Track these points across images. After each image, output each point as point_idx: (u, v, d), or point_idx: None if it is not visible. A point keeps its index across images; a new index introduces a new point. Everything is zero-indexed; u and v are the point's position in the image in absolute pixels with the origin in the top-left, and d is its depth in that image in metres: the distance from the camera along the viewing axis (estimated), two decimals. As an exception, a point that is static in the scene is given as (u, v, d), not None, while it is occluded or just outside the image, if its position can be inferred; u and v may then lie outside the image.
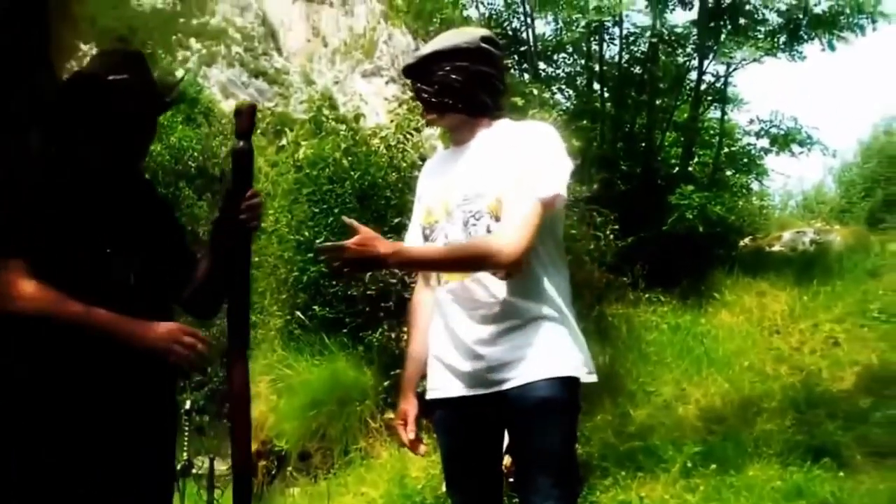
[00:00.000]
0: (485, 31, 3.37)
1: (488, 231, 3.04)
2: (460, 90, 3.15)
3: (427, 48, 3.22)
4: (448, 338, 3.13)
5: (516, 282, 3.02)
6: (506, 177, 3.04)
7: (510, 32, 13.10)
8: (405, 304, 8.75)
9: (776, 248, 13.87)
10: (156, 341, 2.83)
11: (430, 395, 3.23)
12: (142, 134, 3.09)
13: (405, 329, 8.57)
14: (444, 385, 3.15)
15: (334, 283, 9.20)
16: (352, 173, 9.57)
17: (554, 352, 3.02)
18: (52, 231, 2.87)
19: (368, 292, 8.73)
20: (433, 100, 3.18)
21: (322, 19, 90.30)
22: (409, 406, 3.33)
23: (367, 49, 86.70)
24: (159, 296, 3.06)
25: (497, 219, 3.03)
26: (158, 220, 3.19)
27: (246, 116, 2.86)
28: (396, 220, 8.39)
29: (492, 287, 3.04)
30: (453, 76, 3.14)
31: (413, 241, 3.31)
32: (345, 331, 9.18)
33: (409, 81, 3.40)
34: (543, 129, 3.18)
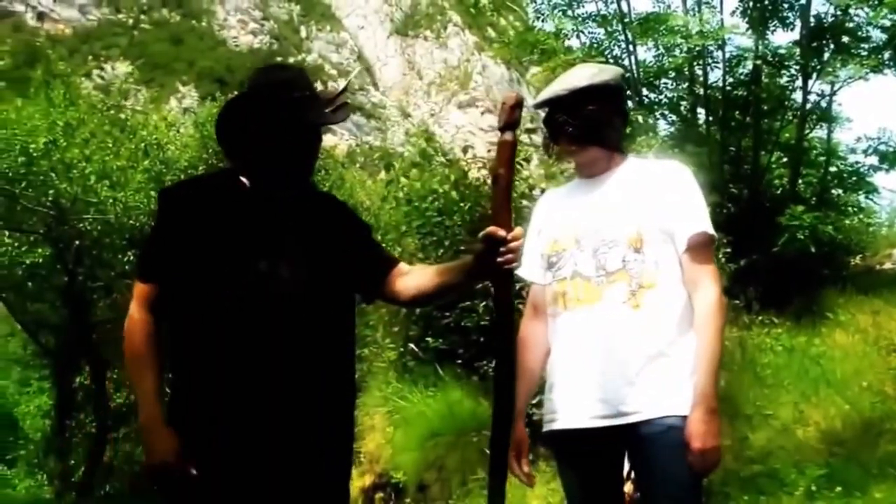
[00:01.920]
0: (620, 70, 3.46)
1: (623, 261, 3.09)
2: (606, 126, 3.24)
3: (575, 81, 3.25)
4: (572, 367, 3.17)
5: (649, 314, 3.10)
6: (649, 212, 3.12)
7: (611, 60, 13.09)
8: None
9: (887, 266, 13.59)
10: (151, 462, 2.94)
11: (550, 426, 3.26)
12: (310, 149, 3.15)
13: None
14: (566, 415, 3.18)
15: (447, 314, 9.28)
16: (461, 205, 9.65)
17: (684, 389, 3.09)
18: (194, 254, 2.98)
19: (482, 323, 8.79)
20: (578, 133, 3.23)
21: (417, 53, 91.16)
22: (520, 438, 3.31)
23: (461, 81, 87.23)
24: (336, 302, 3.11)
25: (636, 250, 3.10)
26: (336, 224, 3.23)
27: (511, 108, 2.88)
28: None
29: (624, 318, 3.10)
30: (603, 112, 3.22)
31: (531, 272, 3.35)
32: (459, 361, 9.23)
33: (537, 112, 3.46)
34: (682, 168, 3.27)
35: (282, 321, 2.94)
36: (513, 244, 2.81)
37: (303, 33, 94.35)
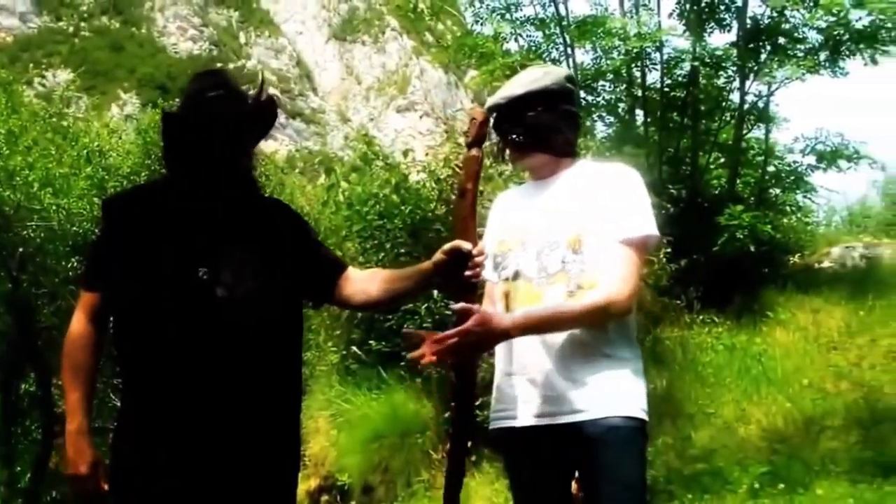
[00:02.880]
0: (566, 71, 3.44)
1: (563, 262, 3.08)
2: (550, 131, 3.21)
3: (514, 89, 3.24)
4: (518, 366, 3.14)
5: None
6: (589, 214, 3.10)
7: (550, 63, 13.13)
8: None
9: (826, 264, 13.77)
10: (69, 472, 2.97)
11: (495, 424, 3.24)
12: (231, 147, 3.12)
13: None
14: (511, 415, 3.15)
15: (389, 317, 9.26)
16: (402, 208, 9.64)
17: (631, 390, 3.09)
18: (136, 262, 2.97)
19: (424, 325, 8.77)
20: (523, 140, 3.23)
21: (355, 57, 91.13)
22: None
23: (400, 85, 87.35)
24: (284, 306, 3.11)
25: (575, 251, 3.08)
26: (281, 229, 3.23)
27: (479, 124, 2.93)
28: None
29: None
30: (544, 118, 3.20)
31: (485, 271, 3.29)
32: (402, 364, 9.22)
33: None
34: (628, 171, 3.24)
35: (228, 328, 2.93)
36: (478, 258, 2.89)
37: (242, 39, 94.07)
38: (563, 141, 3.26)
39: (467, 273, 2.89)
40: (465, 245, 2.87)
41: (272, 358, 3.02)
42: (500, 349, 3.22)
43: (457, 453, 3.11)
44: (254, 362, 2.95)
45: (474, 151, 2.93)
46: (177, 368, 2.89)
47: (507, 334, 2.95)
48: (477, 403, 3.77)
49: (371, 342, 9.49)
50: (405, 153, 10.84)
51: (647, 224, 3.10)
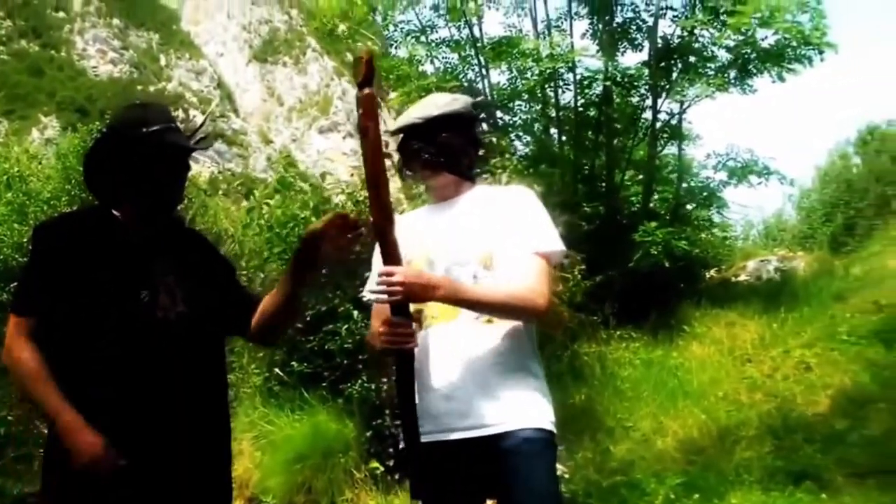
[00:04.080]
0: (471, 98, 3.52)
1: (475, 278, 3.15)
2: (459, 153, 3.32)
3: (430, 110, 3.32)
4: (431, 382, 3.17)
5: (503, 330, 3.15)
6: (497, 232, 3.19)
7: (465, 84, 13.24)
8: (382, 356, 8.83)
9: (742, 277, 14.03)
10: (82, 461, 2.94)
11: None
12: (175, 179, 3.24)
13: (384, 380, 8.65)
14: (427, 429, 3.16)
15: (310, 338, 9.25)
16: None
17: (542, 404, 3.16)
18: (75, 286, 3.02)
19: (345, 346, 8.79)
20: (431, 160, 3.30)
21: (276, 79, 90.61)
22: None
23: (322, 106, 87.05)
24: (209, 332, 3.21)
25: (486, 268, 3.16)
26: (203, 260, 3.34)
27: (367, 63, 2.95)
28: (368, 275, 8.46)
29: (479, 333, 3.14)
30: (455, 140, 3.30)
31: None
32: (324, 385, 9.20)
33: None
34: (528, 191, 3.35)
35: (167, 349, 3.03)
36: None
37: (162, 61, 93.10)
38: (468, 164, 3.36)
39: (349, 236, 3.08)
40: (317, 225, 3.09)
41: (206, 377, 3.17)
42: (418, 367, 3.19)
43: (411, 436, 3.14)
44: (191, 381, 3.08)
45: (367, 90, 2.96)
46: (120, 387, 2.97)
47: (434, 289, 2.99)
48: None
49: (293, 363, 9.46)
50: (323, 176, 10.85)
51: (553, 239, 3.20)
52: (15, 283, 3.39)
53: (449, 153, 3.29)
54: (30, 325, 3.05)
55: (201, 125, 3.35)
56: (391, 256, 3.00)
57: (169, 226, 3.28)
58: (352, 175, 10.52)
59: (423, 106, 3.37)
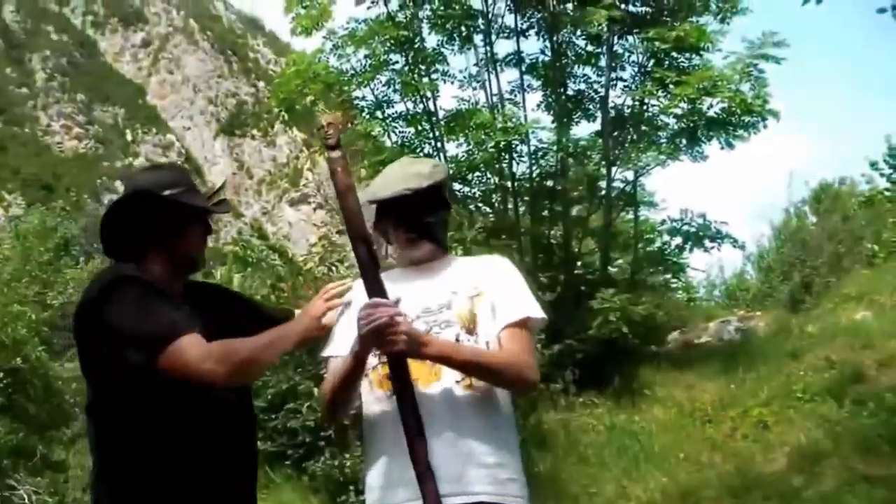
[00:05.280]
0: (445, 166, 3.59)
1: (457, 340, 3.12)
2: (441, 223, 3.37)
3: (417, 181, 3.26)
4: (393, 447, 3.07)
5: (486, 397, 3.12)
6: (481, 298, 3.20)
7: (422, 157, 13.43)
8: (345, 432, 8.96)
9: (704, 339, 14.09)
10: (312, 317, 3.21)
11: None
12: (199, 239, 3.33)
13: (347, 456, 8.77)
14: (407, 495, 3.05)
15: (273, 416, 9.36)
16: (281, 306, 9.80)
17: (520, 473, 3.16)
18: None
19: (307, 423, 8.91)
20: (418, 230, 3.29)
21: (245, 152, 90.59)
22: None
23: (292, 178, 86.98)
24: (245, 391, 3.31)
25: (469, 332, 3.14)
26: (226, 314, 3.35)
27: (340, 128, 3.00)
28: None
29: (461, 397, 3.10)
30: (442, 212, 3.36)
31: (345, 351, 3.20)
32: (288, 462, 9.30)
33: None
34: (506, 260, 3.39)
35: (226, 421, 3.15)
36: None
37: (129, 136, 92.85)
38: (445, 233, 3.42)
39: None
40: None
41: (251, 442, 3.36)
42: (385, 432, 3.16)
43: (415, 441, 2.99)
44: (245, 456, 3.26)
45: (338, 153, 2.98)
46: (193, 462, 3.04)
47: (428, 345, 2.96)
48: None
49: (258, 442, 9.57)
50: (282, 254, 11.00)
51: (536, 308, 3.21)
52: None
53: (435, 223, 3.31)
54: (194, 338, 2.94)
55: (220, 188, 3.46)
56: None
57: (186, 285, 3.33)
58: (323, 246, 10.66)
59: (407, 176, 3.29)
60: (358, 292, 3.26)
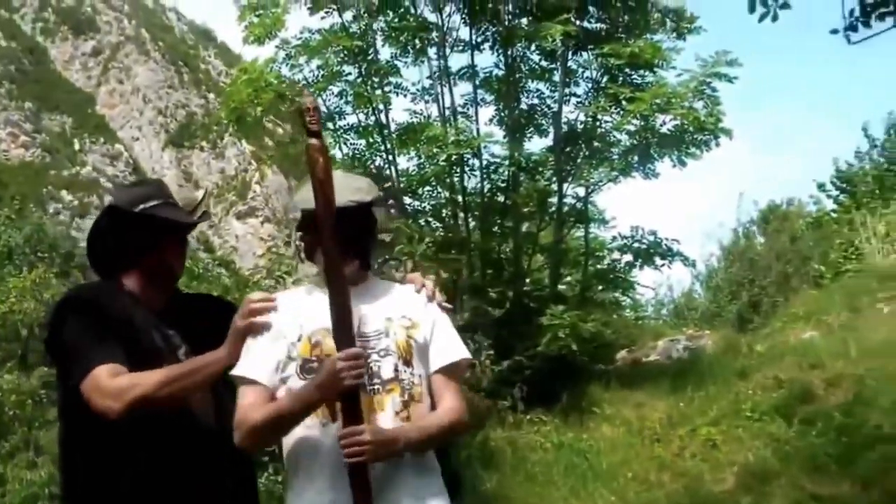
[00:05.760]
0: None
1: (396, 370, 3.06)
2: (371, 241, 3.28)
3: (357, 195, 3.17)
4: (323, 477, 2.99)
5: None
6: (413, 328, 3.14)
7: (374, 170, 13.41)
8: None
9: (652, 357, 14.20)
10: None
11: None
12: (177, 252, 3.37)
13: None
14: None
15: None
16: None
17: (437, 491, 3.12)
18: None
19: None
20: (351, 245, 3.14)
21: (193, 164, 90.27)
22: None
23: (240, 191, 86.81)
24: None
25: (406, 363, 3.08)
26: (210, 325, 3.28)
27: (315, 111, 2.93)
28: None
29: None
30: (374, 228, 3.29)
31: (259, 373, 3.09)
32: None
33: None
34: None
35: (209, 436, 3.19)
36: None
37: (76, 146, 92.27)
38: (371, 252, 3.30)
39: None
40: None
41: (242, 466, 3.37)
42: (315, 460, 3.04)
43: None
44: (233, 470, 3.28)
45: (318, 141, 2.91)
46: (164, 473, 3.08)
47: (396, 442, 2.91)
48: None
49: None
50: (226, 264, 10.88)
51: (464, 349, 3.22)
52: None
53: (370, 242, 3.25)
54: (100, 373, 2.99)
55: (201, 200, 3.44)
56: (346, 334, 2.92)
57: (176, 296, 3.42)
58: (269, 260, 10.57)
59: (351, 188, 3.19)
60: (284, 308, 3.16)
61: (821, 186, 23.98)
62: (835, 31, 6.70)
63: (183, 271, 3.48)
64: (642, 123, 12.88)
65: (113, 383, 2.95)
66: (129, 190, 3.50)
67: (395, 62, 13.98)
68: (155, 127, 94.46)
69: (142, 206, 3.23)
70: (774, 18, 6.73)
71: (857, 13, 6.50)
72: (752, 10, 6.68)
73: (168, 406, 3.05)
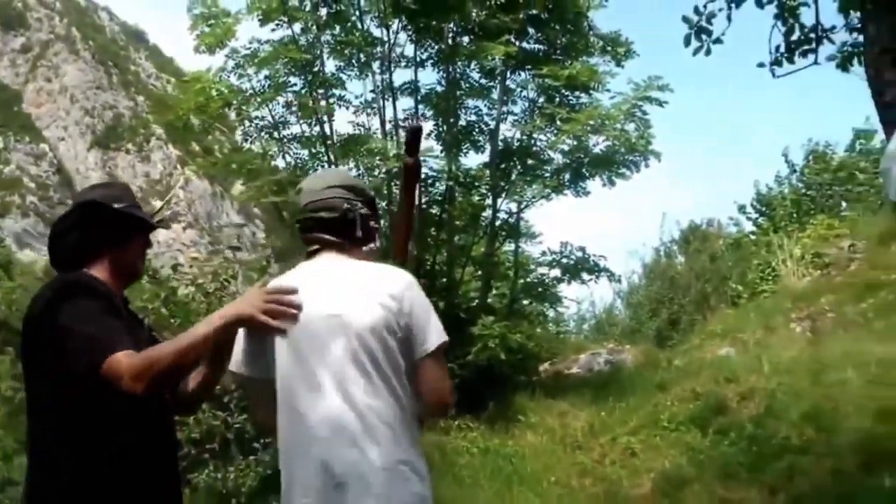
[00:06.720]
0: None
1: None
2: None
3: (357, 182, 3.42)
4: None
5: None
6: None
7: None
8: (229, 445, 9.08)
9: (574, 370, 14.43)
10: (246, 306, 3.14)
11: None
12: (142, 252, 3.50)
13: (230, 469, 8.87)
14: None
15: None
16: (171, 321, 9.81)
17: (425, 484, 3.17)
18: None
19: (193, 436, 8.96)
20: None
21: (119, 166, 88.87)
22: None
23: (164, 195, 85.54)
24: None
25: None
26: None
27: (413, 133, 3.26)
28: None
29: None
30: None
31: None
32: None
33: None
34: (412, 278, 3.33)
35: (166, 426, 3.36)
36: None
37: (0, 143, 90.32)
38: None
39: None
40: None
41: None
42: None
43: None
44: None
45: (412, 159, 3.23)
46: (139, 465, 3.17)
47: None
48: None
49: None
50: (174, 267, 11.02)
51: (442, 332, 3.23)
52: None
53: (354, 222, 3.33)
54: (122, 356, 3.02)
55: (161, 207, 3.60)
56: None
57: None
58: (191, 266, 10.71)
59: (351, 178, 3.46)
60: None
61: (741, 209, 24.27)
62: (761, 65, 7.06)
63: (143, 272, 3.61)
64: (576, 143, 13.34)
65: (133, 362, 2.98)
66: (104, 189, 3.55)
67: (340, 75, 14.20)
68: (81, 127, 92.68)
69: (118, 205, 3.39)
70: (708, 52, 7.12)
71: (782, 49, 6.88)
72: (687, 44, 7.06)
73: (183, 376, 3.25)
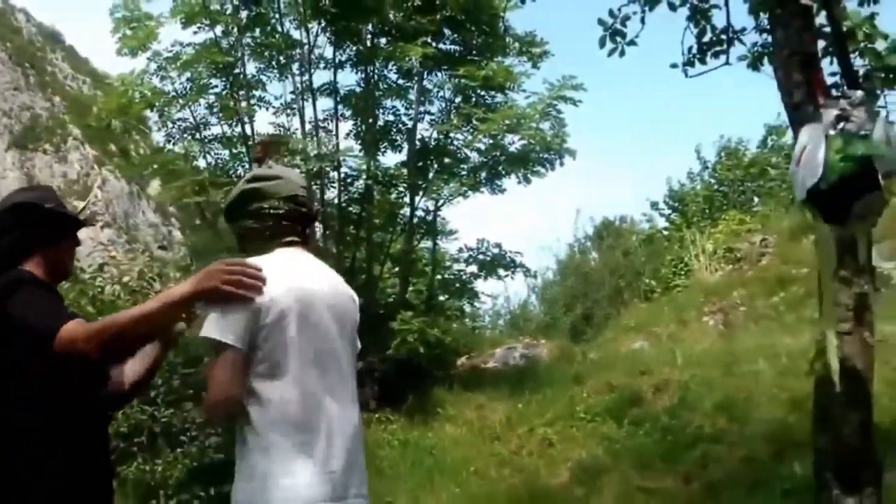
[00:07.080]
0: None
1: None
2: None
3: (301, 180, 3.37)
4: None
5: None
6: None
7: (236, 179, 13.61)
8: (156, 439, 9.19)
9: (490, 364, 14.61)
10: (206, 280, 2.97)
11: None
12: (72, 252, 3.58)
13: (157, 461, 8.97)
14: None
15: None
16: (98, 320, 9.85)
17: None
18: None
19: (121, 429, 9.04)
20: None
21: (36, 166, 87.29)
22: None
23: (82, 195, 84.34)
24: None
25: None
26: None
27: (262, 146, 3.31)
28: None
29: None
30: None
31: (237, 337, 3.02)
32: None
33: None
34: None
35: (101, 418, 3.43)
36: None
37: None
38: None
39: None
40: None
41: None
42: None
43: None
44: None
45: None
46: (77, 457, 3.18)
47: None
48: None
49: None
50: (101, 266, 11.00)
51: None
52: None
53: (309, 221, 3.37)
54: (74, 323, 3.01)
55: (84, 207, 3.67)
56: None
57: None
58: (107, 264, 10.75)
59: (297, 175, 3.42)
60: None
61: (654, 205, 24.60)
62: (674, 66, 7.26)
63: (73, 271, 3.66)
64: (492, 142, 13.60)
65: (88, 326, 2.98)
66: (33, 191, 3.69)
67: (261, 77, 14.30)
68: None
69: (49, 205, 3.47)
70: (622, 54, 7.35)
71: (694, 50, 7.11)
72: (602, 45, 7.28)
73: (139, 345, 3.32)
